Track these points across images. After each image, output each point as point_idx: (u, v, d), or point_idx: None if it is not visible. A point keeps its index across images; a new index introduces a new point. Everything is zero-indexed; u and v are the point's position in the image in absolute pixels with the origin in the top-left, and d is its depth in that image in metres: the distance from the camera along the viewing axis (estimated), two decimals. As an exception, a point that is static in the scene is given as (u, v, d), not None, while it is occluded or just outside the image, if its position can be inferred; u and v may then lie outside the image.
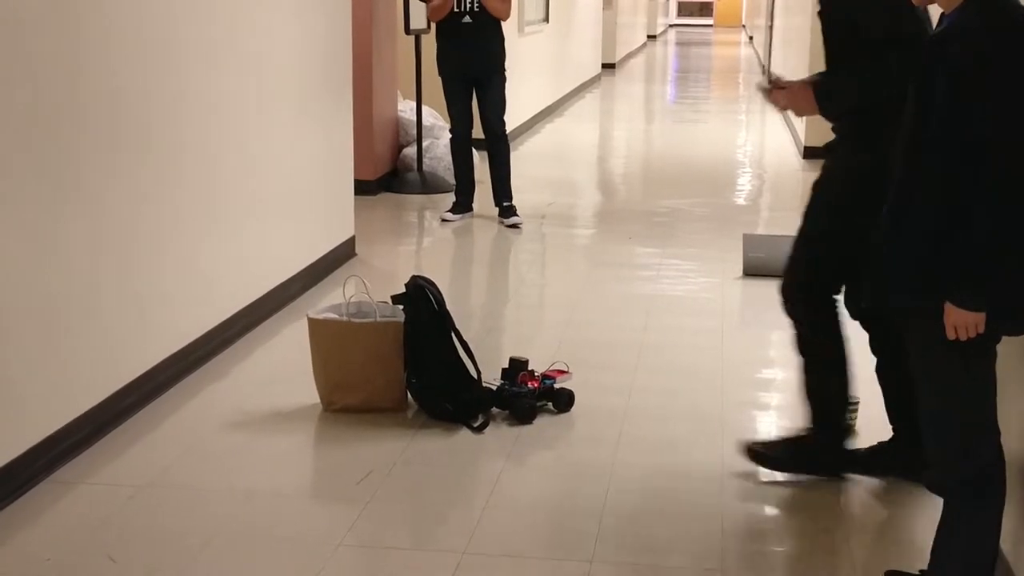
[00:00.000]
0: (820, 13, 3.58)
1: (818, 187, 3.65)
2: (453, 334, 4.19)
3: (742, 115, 14.46)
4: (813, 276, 3.62)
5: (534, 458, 3.90)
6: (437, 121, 8.77)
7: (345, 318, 4.21)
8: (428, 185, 8.36)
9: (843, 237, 3.51)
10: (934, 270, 2.59)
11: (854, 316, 3.67)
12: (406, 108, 8.75)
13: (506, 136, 7.43)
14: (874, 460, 3.71)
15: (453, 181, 7.76)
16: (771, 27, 17.59)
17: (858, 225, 3.48)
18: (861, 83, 3.41)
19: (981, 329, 2.55)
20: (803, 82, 3.59)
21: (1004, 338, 2.70)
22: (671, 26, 36.84)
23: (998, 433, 2.71)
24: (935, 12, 2.68)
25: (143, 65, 4.10)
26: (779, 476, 3.77)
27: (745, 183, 9.41)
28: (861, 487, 3.68)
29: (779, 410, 4.32)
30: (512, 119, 7.54)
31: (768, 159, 10.86)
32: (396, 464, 3.78)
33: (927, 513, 2.96)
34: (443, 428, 4.05)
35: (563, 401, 4.22)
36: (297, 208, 5.60)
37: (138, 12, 4.06)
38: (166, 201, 4.29)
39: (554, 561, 3.21)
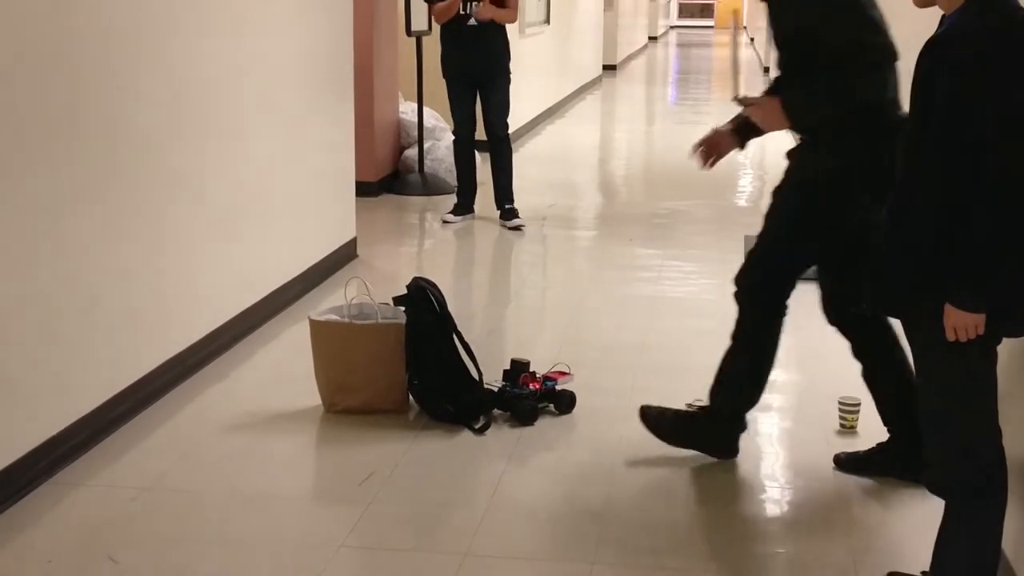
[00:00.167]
0: (771, 21, 3.60)
1: (779, 192, 3.66)
2: (455, 336, 4.20)
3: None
4: (767, 278, 3.66)
5: (535, 460, 3.90)
6: (438, 123, 8.77)
7: (347, 320, 4.21)
8: (429, 187, 8.36)
9: (803, 243, 3.57)
10: (934, 270, 2.59)
11: (831, 322, 3.70)
12: (407, 110, 8.75)
13: (508, 138, 7.43)
14: (873, 461, 3.72)
15: (454, 183, 7.76)
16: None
17: (819, 231, 3.53)
18: (828, 93, 3.41)
19: (981, 330, 2.55)
20: (770, 98, 3.57)
21: (1004, 339, 2.70)
22: (672, 27, 36.86)
23: (999, 434, 2.70)
24: (935, 13, 2.68)
25: (142, 66, 4.10)
26: (780, 478, 3.78)
27: (746, 185, 9.41)
28: (862, 488, 3.68)
29: (780, 411, 4.32)
30: (513, 120, 7.55)
31: (769, 160, 10.83)
32: (398, 466, 3.78)
33: (929, 514, 2.95)
34: (444, 430, 4.05)
35: (565, 403, 4.22)
36: (298, 210, 5.60)
37: (139, 13, 4.06)
38: (167, 203, 4.29)
39: (555, 562, 3.21)
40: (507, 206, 7.36)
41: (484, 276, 6.84)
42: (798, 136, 3.62)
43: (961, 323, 2.55)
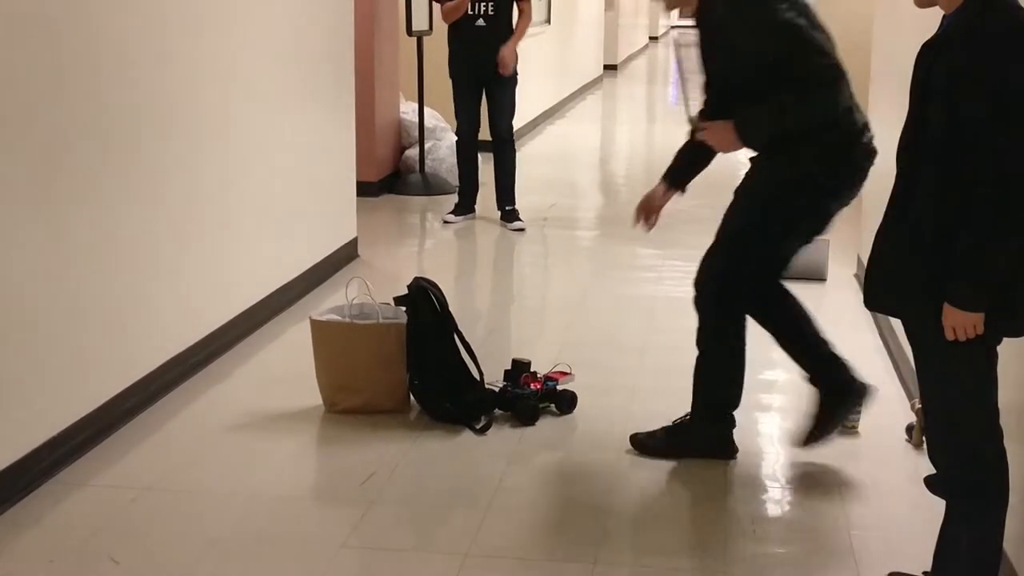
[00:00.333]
0: (705, 45, 3.66)
1: (738, 195, 3.76)
2: (455, 335, 4.20)
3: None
4: (724, 279, 3.75)
5: (537, 460, 3.90)
6: (439, 123, 8.77)
7: (347, 320, 4.21)
8: (430, 187, 8.36)
9: (758, 246, 3.67)
10: (934, 270, 2.59)
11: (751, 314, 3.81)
12: (408, 110, 8.74)
13: (513, 140, 7.42)
14: (819, 420, 3.78)
15: (455, 183, 7.75)
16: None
17: (773, 236, 3.60)
18: (778, 116, 3.52)
19: (980, 330, 2.55)
20: (724, 121, 3.64)
21: (1004, 339, 2.70)
22: (673, 27, 36.85)
23: (1000, 434, 2.70)
24: (936, 13, 2.68)
25: (142, 66, 4.10)
26: (780, 478, 3.78)
27: (747, 184, 9.40)
28: (862, 487, 3.68)
29: (781, 411, 4.32)
30: (515, 121, 7.54)
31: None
32: (399, 466, 3.78)
33: (929, 514, 2.95)
34: (446, 430, 4.05)
35: (566, 403, 4.22)
36: (299, 210, 5.61)
37: (139, 13, 4.06)
38: (167, 203, 4.30)
39: (557, 563, 3.21)
40: (508, 208, 7.36)
41: (485, 276, 6.84)
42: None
43: (960, 323, 2.55)
